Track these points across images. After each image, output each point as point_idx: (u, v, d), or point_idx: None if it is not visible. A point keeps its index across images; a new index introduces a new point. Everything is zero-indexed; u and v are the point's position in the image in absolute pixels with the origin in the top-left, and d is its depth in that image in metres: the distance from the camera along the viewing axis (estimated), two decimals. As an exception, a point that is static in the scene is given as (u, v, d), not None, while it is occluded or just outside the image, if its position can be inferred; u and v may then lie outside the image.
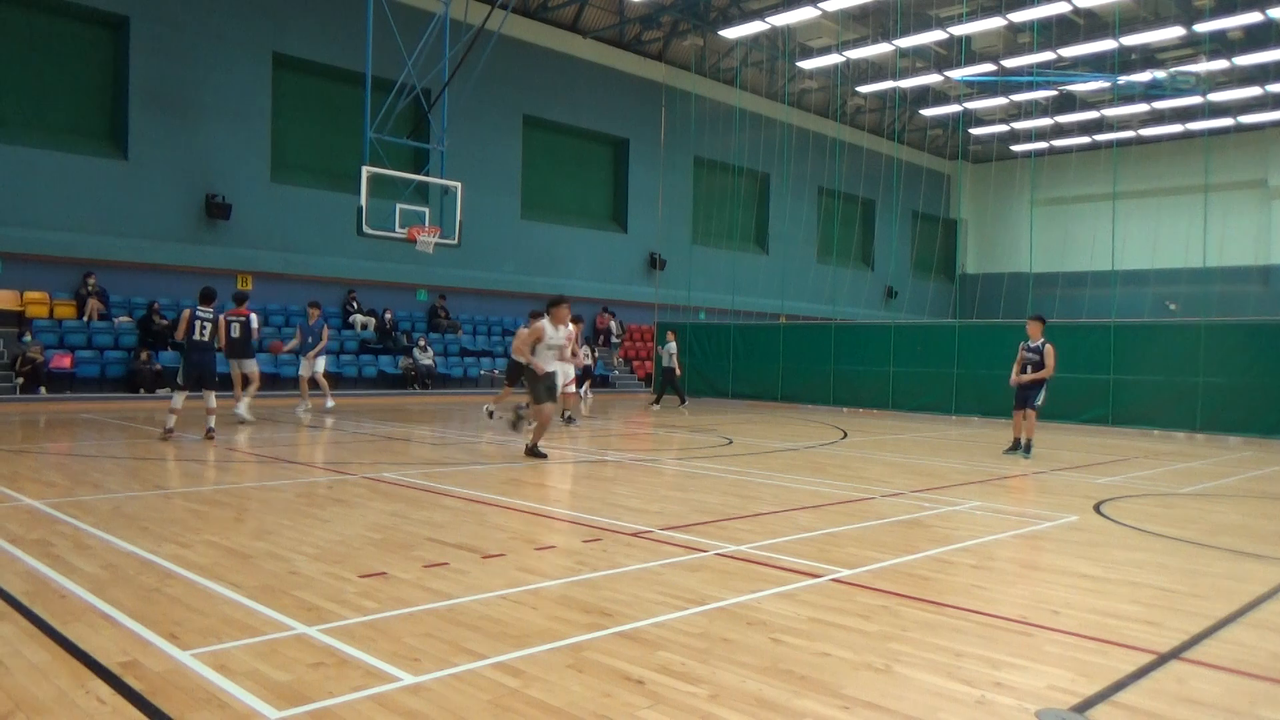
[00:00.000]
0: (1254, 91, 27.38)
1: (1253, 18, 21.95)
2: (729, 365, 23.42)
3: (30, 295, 17.99)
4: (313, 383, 15.66)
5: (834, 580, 4.95)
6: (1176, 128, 31.92)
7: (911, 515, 7.21)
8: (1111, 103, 29.70)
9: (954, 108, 31.10)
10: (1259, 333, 16.65)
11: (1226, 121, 30.72)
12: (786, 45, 26.99)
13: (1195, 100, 27.66)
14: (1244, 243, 31.68)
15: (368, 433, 12.93)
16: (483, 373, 22.50)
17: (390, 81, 18.37)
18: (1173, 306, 31.48)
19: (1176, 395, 16.76)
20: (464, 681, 3.29)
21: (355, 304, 22.00)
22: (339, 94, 21.90)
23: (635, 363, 26.68)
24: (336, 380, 20.07)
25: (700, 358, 23.92)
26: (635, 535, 5.96)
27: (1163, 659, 3.81)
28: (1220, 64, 25.11)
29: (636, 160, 27.67)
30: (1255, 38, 23.60)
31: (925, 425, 17.26)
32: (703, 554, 5.49)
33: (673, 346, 19.93)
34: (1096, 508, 7.83)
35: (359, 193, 16.71)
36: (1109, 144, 33.93)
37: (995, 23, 23.10)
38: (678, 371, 19.88)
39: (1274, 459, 12.95)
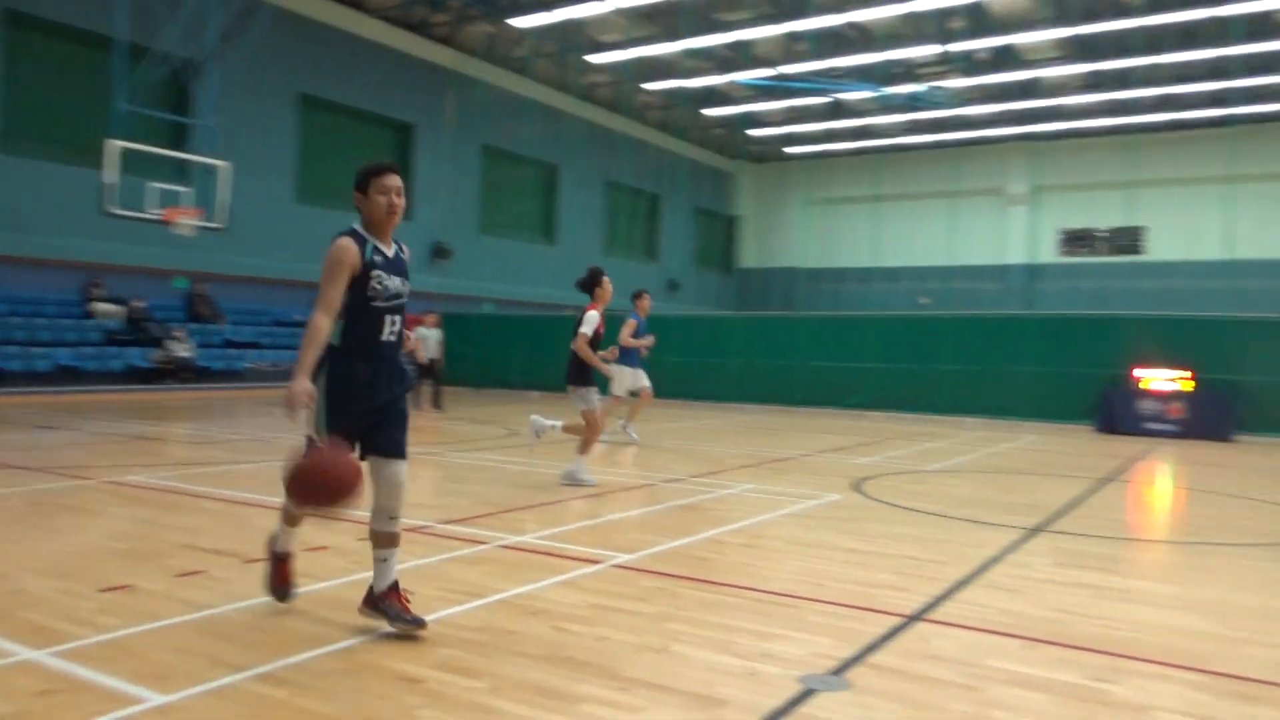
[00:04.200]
0: (996, 108, 30.49)
1: (997, 41, 24.43)
2: (515, 357, 23.30)
3: None
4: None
5: (615, 566, 5.03)
6: (931, 137, 34.96)
7: (690, 499, 7.46)
8: (876, 112, 32.07)
9: (736, 109, 32.46)
10: (993, 325, 18.69)
11: (972, 134, 34.01)
12: (577, 38, 27.13)
13: (947, 113, 30.40)
14: (984, 244, 35.25)
15: (113, 432, 11.75)
16: (249, 365, 20.97)
17: (147, 48, 16.77)
18: (924, 301, 34.48)
19: (926, 382, 18.42)
20: (222, 697, 3.06)
21: (99, 290, 19.91)
22: (84, 58, 19.70)
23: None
24: (76, 375, 18.12)
25: (487, 349, 23.65)
26: (414, 531, 5.78)
27: (909, 620, 4.16)
28: (970, 81, 27.72)
29: (423, 146, 26.88)
30: (1000, 60, 26.23)
31: (706, 413, 17.94)
32: (485, 546, 5.42)
33: (440, 333, 16.57)
34: (857, 486, 8.44)
35: (105, 167, 15.14)
36: (873, 150, 36.66)
37: (776, 30, 24.30)
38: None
39: (1003, 437, 14.53)
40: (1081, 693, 3.34)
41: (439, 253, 26.92)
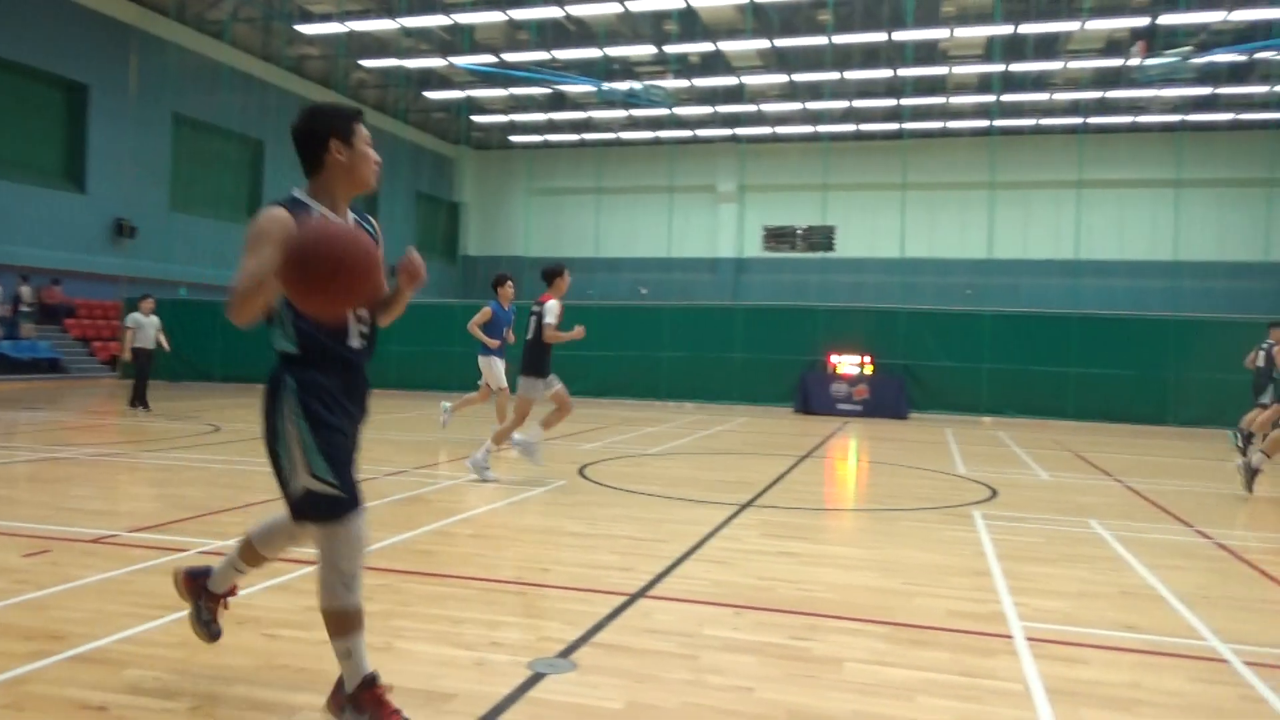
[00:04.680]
0: (707, 110, 32.30)
1: (707, 47, 25.83)
2: (216, 346, 21.44)
3: None
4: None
5: (334, 565, 4.76)
6: (648, 134, 36.36)
7: (414, 492, 7.26)
8: (597, 106, 32.83)
9: (458, 93, 31.87)
10: (707, 315, 19.88)
11: (686, 133, 35.81)
12: (283, 6, 25.32)
13: (663, 112, 31.75)
14: (698, 238, 37.33)
15: None
16: None
17: None
18: (644, 292, 35.92)
19: (646, 369, 19.23)
20: None
21: None
22: None
23: (96, 344, 23.10)
24: None
25: (182, 338, 21.49)
26: (96, 541, 5.14)
27: (632, 598, 4.31)
28: (683, 83, 29.13)
29: (100, 111, 23.86)
30: (709, 64, 27.78)
31: (430, 403, 17.52)
32: (184, 554, 4.93)
33: (158, 320, 14.51)
34: (581, 471, 8.63)
35: None
36: (595, 143, 37.52)
37: (497, 16, 24.09)
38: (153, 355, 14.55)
39: (716, 421, 15.51)
40: (785, 651, 3.63)
41: (121, 230, 24.13)
